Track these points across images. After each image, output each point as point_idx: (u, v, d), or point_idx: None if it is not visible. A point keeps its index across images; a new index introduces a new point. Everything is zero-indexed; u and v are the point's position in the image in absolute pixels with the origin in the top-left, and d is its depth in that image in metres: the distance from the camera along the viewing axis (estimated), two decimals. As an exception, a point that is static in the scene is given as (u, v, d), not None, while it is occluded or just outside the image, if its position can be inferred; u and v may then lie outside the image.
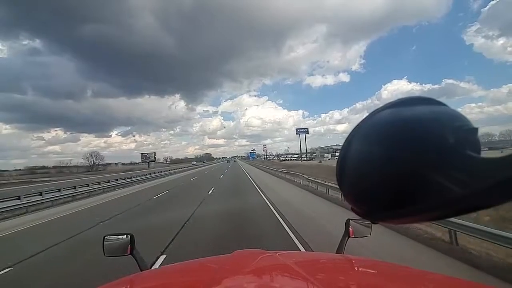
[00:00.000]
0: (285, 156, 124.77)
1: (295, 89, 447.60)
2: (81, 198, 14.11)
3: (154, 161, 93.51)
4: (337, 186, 0.30)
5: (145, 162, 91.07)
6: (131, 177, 23.97)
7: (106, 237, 1.33)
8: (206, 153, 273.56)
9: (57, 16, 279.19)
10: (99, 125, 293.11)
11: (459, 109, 0.28)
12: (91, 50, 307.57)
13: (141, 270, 1.28)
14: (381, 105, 0.30)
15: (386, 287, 0.89)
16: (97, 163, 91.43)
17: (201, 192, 13.29)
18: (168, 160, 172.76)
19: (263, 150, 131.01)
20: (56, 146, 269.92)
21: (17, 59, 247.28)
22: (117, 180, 20.98)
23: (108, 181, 19.75)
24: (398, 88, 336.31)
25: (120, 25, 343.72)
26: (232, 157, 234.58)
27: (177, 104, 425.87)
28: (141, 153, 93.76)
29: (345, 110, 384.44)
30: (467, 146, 0.24)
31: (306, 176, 14.10)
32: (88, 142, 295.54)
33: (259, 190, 13.25)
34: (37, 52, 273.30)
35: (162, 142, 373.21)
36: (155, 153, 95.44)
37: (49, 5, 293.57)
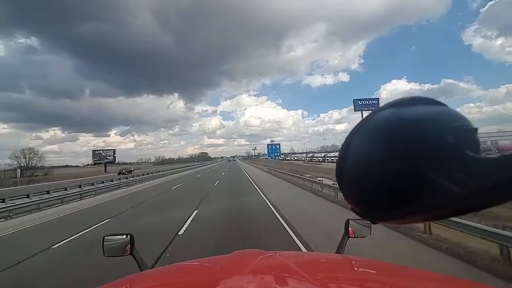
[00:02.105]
0: (311, 154, 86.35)
1: (295, 88, 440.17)
2: None
3: (114, 162, 65.73)
4: None
5: (99, 163, 63.29)
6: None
7: (105, 237, 1.31)
8: (203, 153, 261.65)
9: (53, 14, 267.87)
10: (98, 124, 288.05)
11: (458, 109, 0.28)
12: (89, 49, 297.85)
13: (141, 270, 1.26)
14: (380, 105, 0.30)
15: (386, 287, 0.89)
16: (33, 165, 62.06)
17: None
18: (160, 159, 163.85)
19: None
20: (54, 145, 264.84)
21: (13, 58, 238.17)
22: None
23: None
24: (397, 87, 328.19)
25: (117, 24, 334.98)
26: (232, 156, 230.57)
27: (175, 103, 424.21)
28: (93, 151, 65.27)
29: (345, 110, 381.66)
30: (467, 146, 0.24)
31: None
32: (87, 142, 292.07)
33: None
34: (34, 51, 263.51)
35: (161, 142, 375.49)
36: (114, 150, 65.31)
37: (46, 2, 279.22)
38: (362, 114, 38.83)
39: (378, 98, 41.08)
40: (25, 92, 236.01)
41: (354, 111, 39.75)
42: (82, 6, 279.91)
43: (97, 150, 64.76)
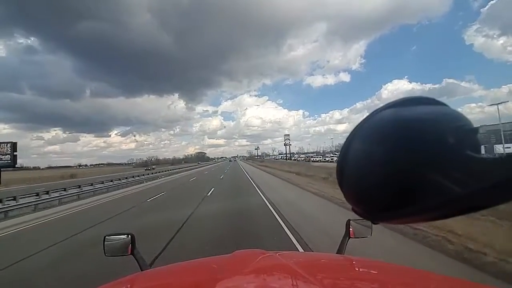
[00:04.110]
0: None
1: (295, 89, 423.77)
2: None
3: (14, 166, 36.07)
4: None
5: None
6: None
7: (106, 237, 1.31)
8: (200, 153, 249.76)
9: (52, 14, 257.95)
10: (98, 125, 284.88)
11: (459, 109, 0.28)
12: (89, 49, 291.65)
13: (142, 270, 1.26)
14: (381, 105, 0.30)
15: (386, 287, 0.90)
16: None
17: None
18: (154, 159, 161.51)
19: (286, 146, 76.69)
20: (55, 146, 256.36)
21: (13, 58, 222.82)
22: None
23: None
24: (398, 87, 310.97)
25: (117, 23, 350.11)
26: (233, 156, 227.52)
27: (176, 103, 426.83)
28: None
29: (346, 110, 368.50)
30: (467, 146, 0.24)
31: None
32: (88, 142, 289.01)
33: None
34: (33, 51, 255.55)
35: (162, 142, 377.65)
36: (14, 144, 35.04)
37: (45, 2, 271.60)
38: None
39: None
40: (25, 92, 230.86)
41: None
42: (82, 5, 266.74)
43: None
